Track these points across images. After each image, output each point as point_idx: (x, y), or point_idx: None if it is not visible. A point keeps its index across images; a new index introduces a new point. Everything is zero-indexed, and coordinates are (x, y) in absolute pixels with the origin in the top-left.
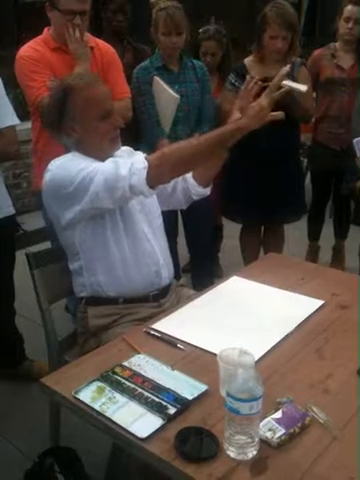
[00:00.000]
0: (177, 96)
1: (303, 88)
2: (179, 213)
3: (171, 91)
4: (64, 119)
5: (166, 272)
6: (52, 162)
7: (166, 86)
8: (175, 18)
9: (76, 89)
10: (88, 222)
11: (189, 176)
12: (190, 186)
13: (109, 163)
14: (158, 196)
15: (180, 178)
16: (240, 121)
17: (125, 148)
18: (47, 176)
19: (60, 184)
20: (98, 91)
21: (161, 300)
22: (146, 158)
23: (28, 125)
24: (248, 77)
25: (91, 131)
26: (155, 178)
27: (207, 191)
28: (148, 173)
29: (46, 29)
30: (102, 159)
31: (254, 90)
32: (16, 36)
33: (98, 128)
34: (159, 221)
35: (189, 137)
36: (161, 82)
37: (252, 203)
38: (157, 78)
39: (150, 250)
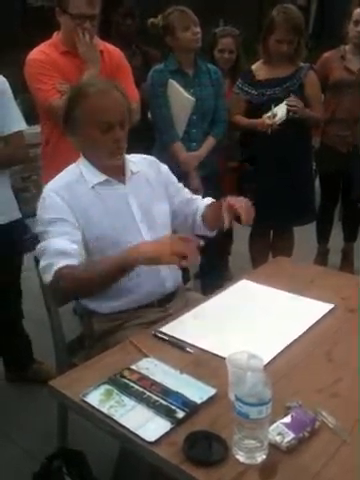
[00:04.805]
0: (193, 99)
1: (282, 112)
2: None
3: (186, 94)
4: (70, 121)
5: (171, 281)
6: (44, 189)
7: (181, 89)
8: (188, 12)
9: (87, 96)
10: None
11: (199, 214)
12: (196, 224)
13: (43, 246)
14: (180, 228)
15: (189, 214)
16: (128, 256)
17: (150, 158)
18: None
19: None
20: (107, 100)
21: (167, 305)
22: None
23: (37, 129)
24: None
25: (90, 141)
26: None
27: (212, 234)
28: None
29: (55, 33)
30: (105, 166)
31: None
32: (24, 40)
33: (96, 141)
34: (166, 231)
35: (203, 140)
36: (176, 85)
37: (262, 207)
38: (172, 81)
39: None
